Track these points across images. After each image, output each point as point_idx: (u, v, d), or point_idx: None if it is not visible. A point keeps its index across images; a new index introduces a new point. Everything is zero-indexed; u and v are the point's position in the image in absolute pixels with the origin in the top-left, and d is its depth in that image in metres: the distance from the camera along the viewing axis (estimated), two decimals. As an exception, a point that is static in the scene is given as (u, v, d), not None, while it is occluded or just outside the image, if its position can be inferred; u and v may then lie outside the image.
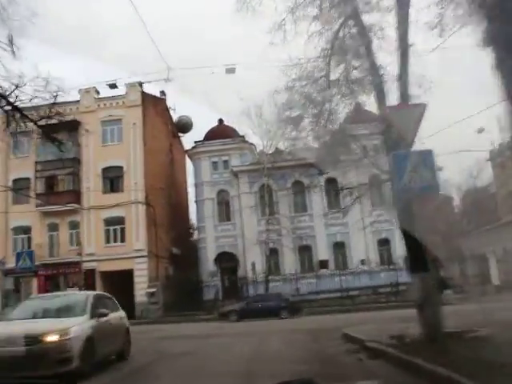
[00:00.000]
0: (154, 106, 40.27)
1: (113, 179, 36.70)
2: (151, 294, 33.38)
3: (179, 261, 40.58)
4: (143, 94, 37.99)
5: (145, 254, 34.58)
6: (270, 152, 37.54)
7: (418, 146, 10.09)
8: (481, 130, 35.27)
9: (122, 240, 35.20)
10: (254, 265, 34.18)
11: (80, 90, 37.36)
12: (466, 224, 58.67)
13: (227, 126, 41.35)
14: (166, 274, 37.75)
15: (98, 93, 37.90)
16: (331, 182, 37.90)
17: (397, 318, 15.02)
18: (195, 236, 44.60)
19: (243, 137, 39.76)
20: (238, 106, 38.72)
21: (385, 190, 38.66)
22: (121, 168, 36.27)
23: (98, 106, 37.54)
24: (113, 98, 37.22)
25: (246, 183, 39.10)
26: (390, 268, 35.16)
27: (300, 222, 37.34)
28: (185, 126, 46.51)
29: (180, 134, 47.35)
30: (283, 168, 36.96)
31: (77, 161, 36.17)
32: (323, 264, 36.22)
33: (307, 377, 2.29)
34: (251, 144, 39.38)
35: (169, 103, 44.79)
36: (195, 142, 42.08)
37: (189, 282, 36.79)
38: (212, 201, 39.87)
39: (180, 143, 47.06)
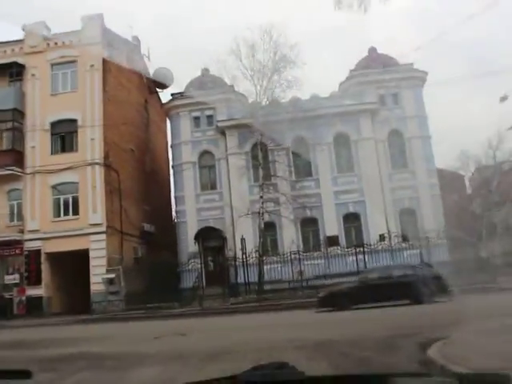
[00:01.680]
0: (121, 48, 32.34)
1: (64, 136, 28.95)
2: (110, 281, 25.83)
3: (154, 240, 33.00)
4: (105, 29, 30.08)
5: (103, 229, 26.91)
6: (265, 102, 29.69)
7: None
8: (504, 98, 27.82)
9: (75, 212, 27.53)
10: (243, 242, 26.41)
11: (24, 25, 29.52)
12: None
13: (213, 76, 33.29)
14: (135, 256, 30.21)
15: (48, 29, 30.00)
16: (341, 138, 30.33)
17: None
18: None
19: (232, 87, 31.65)
20: (225, 49, 29.72)
21: (408, 149, 31.30)
22: (74, 122, 28.51)
23: (48, 45, 29.67)
24: (65, 34, 29.35)
25: (235, 142, 31.26)
26: (416, 244, 27.47)
27: (303, 189, 29.53)
28: (164, 81, 38.50)
29: (158, 90, 39.52)
30: (281, 122, 29.11)
31: (19, 113, 28.47)
32: (332, 240, 28.52)
33: (282, 361, 2.01)
34: (241, 94, 31.33)
35: (143, 51, 37.16)
36: (172, 94, 34.24)
37: (164, 266, 29.03)
38: (193, 165, 32.08)
39: (159, 101, 39.09)
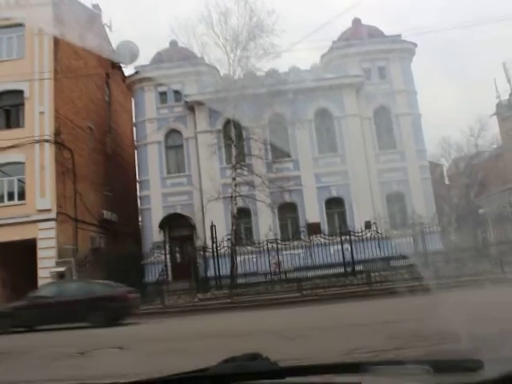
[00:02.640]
0: (78, 13, 28.72)
1: (9, 110, 25.24)
2: (60, 275, 22.41)
3: (116, 229, 29.65)
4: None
5: (52, 216, 23.42)
6: (239, 75, 26.48)
7: None
8: None
9: (21, 197, 23.94)
10: (213, 229, 23.23)
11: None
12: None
13: (182, 48, 29.80)
14: (92, 247, 26.75)
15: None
16: (323, 115, 27.34)
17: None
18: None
19: (202, 59, 28.26)
20: (196, 16, 26.27)
21: (397, 127, 28.44)
22: (20, 93, 24.82)
23: (-10, 6, 25.85)
24: (10, -7, 25.64)
25: (206, 119, 28.07)
26: (407, 232, 24.73)
27: (281, 171, 26.51)
28: (128, 54, 34.92)
29: (122, 66, 35.89)
30: (257, 96, 26.00)
31: (-45, 83, 24.69)
32: (314, 228, 25.52)
33: (254, 352, 2.07)
34: (213, 67, 28.06)
35: (105, 20, 33.58)
36: (136, 67, 30.79)
37: (126, 258, 25.65)
38: (158, 145, 28.77)
39: (123, 78, 35.47)
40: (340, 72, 28.53)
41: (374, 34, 29.78)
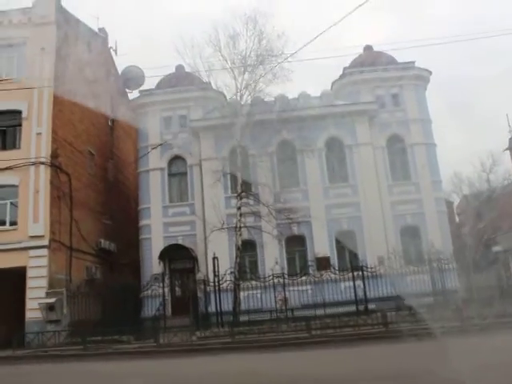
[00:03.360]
0: (82, 35, 27.93)
1: (6, 130, 24.09)
2: (50, 308, 20.82)
3: (114, 260, 28.16)
4: (61, 9, 25.67)
5: (44, 243, 21.95)
6: (247, 100, 25.33)
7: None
8: None
9: (13, 222, 22.55)
10: (216, 261, 21.62)
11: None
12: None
13: (188, 73, 28.89)
14: (88, 278, 25.18)
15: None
16: (334, 143, 26.07)
17: None
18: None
19: (209, 84, 27.20)
20: (203, 39, 25.27)
21: (411, 157, 27.05)
22: (19, 113, 23.73)
23: (-9, 24, 25.05)
24: (13, 11, 24.86)
25: (211, 145, 26.91)
26: (422, 269, 23.04)
27: (289, 202, 24.96)
28: (134, 80, 34.07)
29: (127, 91, 35.00)
30: (265, 123, 24.86)
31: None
32: (323, 263, 23.92)
33: None
34: (219, 92, 26.97)
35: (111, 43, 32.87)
36: (140, 91, 29.85)
37: (124, 290, 23.96)
38: (161, 172, 27.54)
39: (128, 103, 34.51)
40: (352, 99, 27.41)
41: (387, 60, 28.74)
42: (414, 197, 26.13)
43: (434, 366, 9.22)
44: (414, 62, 28.53)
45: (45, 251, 21.78)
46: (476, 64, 68.30)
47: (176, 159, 27.87)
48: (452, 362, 9.24)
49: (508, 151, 45.83)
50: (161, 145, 27.53)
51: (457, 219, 54.14)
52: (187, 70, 27.90)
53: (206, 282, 22.02)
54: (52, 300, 20.79)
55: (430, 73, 28.31)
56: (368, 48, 30.38)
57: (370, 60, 28.99)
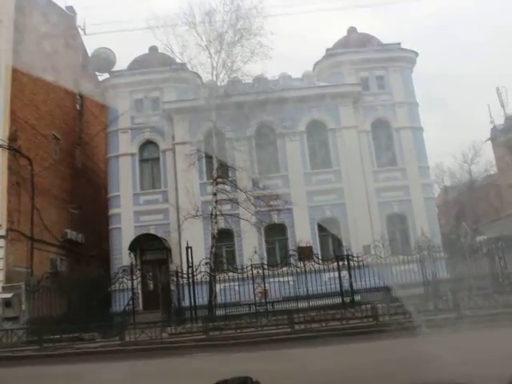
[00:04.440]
0: (45, 10, 25.88)
1: (-41, 111, 22.05)
2: (6, 304, 18.94)
3: (82, 252, 26.30)
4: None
5: (1, 232, 20.05)
6: (223, 81, 23.66)
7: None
8: None
9: (-33, 210, 20.60)
10: (189, 251, 19.93)
11: None
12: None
13: (162, 54, 27.03)
14: (52, 271, 23.30)
15: None
16: (316, 127, 24.57)
17: None
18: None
19: (183, 65, 25.39)
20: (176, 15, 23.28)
21: (397, 142, 25.69)
22: (-27, 92, 21.71)
23: None
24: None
25: (185, 129, 25.15)
26: (410, 258, 21.74)
27: (268, 188, 23.36)
28: (104, 62, 32.04)
29: (98, 74, 32.96)
30: (243, 105, 23.24)
31: None
32: (305, 252, 22.38)
33: (244, 376, 2.51)
34: (194, 73, 25.19)
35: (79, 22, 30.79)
36: (110, 72, 27.94)
37: (92, 284, 22.20)
38: (132, 157, 25.74)
39: (97, 86, 32.47)
40: (335, 81, 25.95)
41: (371, 41, 27.32)
42: (401, 183, 24.80)
43: (428, 361, 7.94)
44: (399, 44, 27.20)
45: (1, 242, 19.92)
46: (457, 54, 67.55)
47: (148, 144, 26.10)
48: (445, 357, 7.94)
49: (490, 142, 45.13)
50: (132, 129, 25.73)
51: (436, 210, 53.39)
52: (161, 50, 26.10)
53: (178, 273, 20.29)
54: (9, 295, 18.92)
55: (417, 54, 26.96)
56: (352, 29, 28.92)
57: (354, 41, 27.54)
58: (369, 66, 26.26)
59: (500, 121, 43.76)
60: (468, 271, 22.03)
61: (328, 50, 27.19)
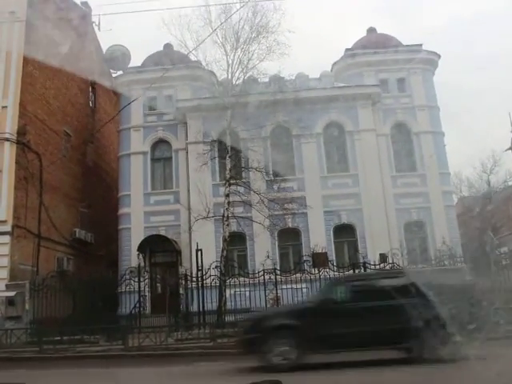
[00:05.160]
0: (59, 3, 25.42)
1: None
2: (9, 302, 18.34)
3: (91, 252, 25.72)
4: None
5: (7, 228, 19.47)
6: (239, 80, 22.97)
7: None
8: None
9: (-29, 204, 20.07)
10: (199, 253, 19.19)
11: None
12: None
13: (176, 52, 26.47)
14: (59, 270, 22.69)
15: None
16: (334, 128, 23.77)
17: None
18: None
19: (198, 62, 24.76)
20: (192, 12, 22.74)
21: (417, 146, 24.74)
22: (-17, 84, 21.23)
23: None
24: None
25: (199, 128, 24.44)
26: (428, 268, 20.79)
27: (283, 191, 22.53)
28: (119, 59, 31.54)
29: (112, 72, 32.49)
30: (258, 105, 22.46)
31: None
32: (320, 259, 21.48)
33: (275, 379, 2.61)
34: (210, 71, 24.55)
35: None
36: (124, 69, 27.42)
37: (99, 284, 21.46)
38: (144, 156, 25.16)
39: (111, 83, 31.95)
40: (353, 82, 25.11)
41: (392, 42, 26.51)
42: (420, 190, 23.85)
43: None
44: (421, 45, 26.29)
45: (6, 238, 19.31)
46: (478, 62, 66.27)
47: (160, 143, 25.50)
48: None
49: (510, 152, 43.90)
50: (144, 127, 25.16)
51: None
52: (176, 48, 25.54)
53: (187, 276, 19.53)
54: (12, 293, 18.32)
55: (439, 56, 26.05)
56: (372, 30, 28.12)
57: (374, 42, 26.71)
58: (389, 68, 25.41)
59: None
60: (492, 283, 21.03)
61: (347, 50, 26.39)
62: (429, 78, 25.90)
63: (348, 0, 67.88)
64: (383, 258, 21.27)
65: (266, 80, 23.99)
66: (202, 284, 18.88)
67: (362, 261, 20.30)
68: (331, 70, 26.52)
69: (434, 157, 24.03)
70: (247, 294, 19.59)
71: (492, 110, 62.76)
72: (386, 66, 25.42)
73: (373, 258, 21.00)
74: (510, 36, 65.74)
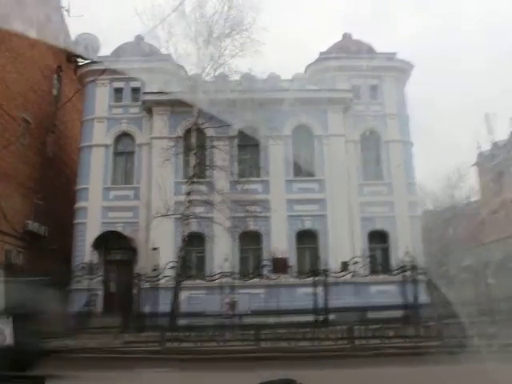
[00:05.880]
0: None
1: None
2: None
3: (43, 246, 24.55)
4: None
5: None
6: (210, 77, 22.32)
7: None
8: None
9: None
10: (155, 253, 18.42)
11: None
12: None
13: (146, 44, 25.68)
14: (7, 263, 21.56)
15: None
16: (303, 132, 23.31)
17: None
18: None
19: (169, 56, 23.98)
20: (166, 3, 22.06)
21: (386, 155, 24.46)
22: None
23: None
24: None
25: (165, 123, 23.63)
26: (390, 278, 20.56)
27: (247, 193, 21.89)
28: (87, 48, 30.48)
29: (79, 60, 31.36)
30: (228, 103, 21.80)
31: None
32: (279, 264, 21.00)
33: (289, 378, 2.46)
34: (180, 66, 23.84)
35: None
36: (90, 58, 26.43)
37: (49, 280, 20.34)
38: (106, 149, 24.23)
39: (76, 70, 30.78)
40: (326, 86, 24.69)
41: (366, 49, 26.24)
42: (386, 199, 23.56)
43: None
44: (395, 54, 26.07)
45: None
46: (447, 78, 67.00)
47: (124, 136, 24.63)
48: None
49: (475, 167, 44.27)
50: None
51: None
52: (147, 39, 24.82)
53: (140, 276, 18.73)
54: None
55: (412, 66, 25.88)
56: (347, 35, 27.81)
57: (349, 47, 26.39)
58: (362, 74, 25.10)
59: (487, 147, 42.96)
60: (452, 296, 20.85)
61: (322, 53, 25.99)
62: (401, 87, 25.71)
63: (325, 5, 67.71)
64: (344, 266, 20.91)
65: (237, 78, 23.43)
66: (156, 284, 18.11)
67: (322, 268, 19.80)
68: (305, 72, 26.08)
69: (401, 166, 23.78)
70: (202, 296, 18.95)
71: (460, 126, 63.34)
72: (359, 73, 25.10)
73: (334, 265, 20.56)
74: (480, 53, 66.64)
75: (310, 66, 25.89)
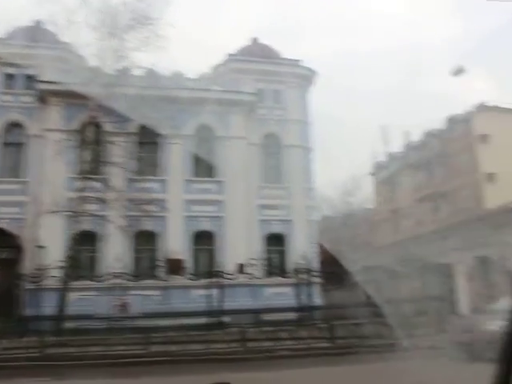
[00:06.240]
0: None
1: None
2: None
3: None
4: None
5: None
6: (111, 70, 21.55)
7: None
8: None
9: None
10: (40, 251, 17.33)
11: None
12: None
13: (47, 31, 24.17)
14: None
15: None
16: (203, 132, 23.21)
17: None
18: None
19: (68, 44, 22.75)
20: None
21: (285, 159, 24.87)
22: None
23: None
24: None
25: (61, 115, 22.44)
26: (285, 281, 20.93)
27: (143, 191, 21.24)
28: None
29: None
30: (129, 98, 21.09)
31: None
32: (174, 265, 20.60)
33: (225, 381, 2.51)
34: (79, 55, 22.72)
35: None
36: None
37: None
38: (-7, 139, 22.51)
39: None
40: (231, 88, 24.68)
41: (272, 54, 26.61)
42: (284, 202, 23.96)
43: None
44: (299, 60, 26.64)
45: None
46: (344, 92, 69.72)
47: (14, 126, 22.99)
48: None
49: (370, 177, 46.48)
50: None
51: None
52: (47, 26, 23.37)
53: (24, 276, 17.56)
54: None
55: (315, 73, 26.56)
56: (255, 39, 28.03)
57: (256, 51, 26.60)
58: (266, 78, 25.43)
59: (383, 158, 45.20)
60: (343, 299, 21.63)
61: (230, 55, 25.96)
62: (303, 93, 26.28)
63: (238, 9, 68.03)
64: (240, 268, 20.98)
65: (141, 73, 22.85)
66: (40, 285, 17.06)
67: (218, 270, 19.72)
68: (212, 73, 25.91)
69: (300, 171, 24.31)
70: (92, 298, 18.14)
71: (358, 136, 66.18)
72: (264, 77, 25.39)
73: (231, 267, 20.56)
74: (389, 74, 70.00)
75: (216, 66, 25.77)
